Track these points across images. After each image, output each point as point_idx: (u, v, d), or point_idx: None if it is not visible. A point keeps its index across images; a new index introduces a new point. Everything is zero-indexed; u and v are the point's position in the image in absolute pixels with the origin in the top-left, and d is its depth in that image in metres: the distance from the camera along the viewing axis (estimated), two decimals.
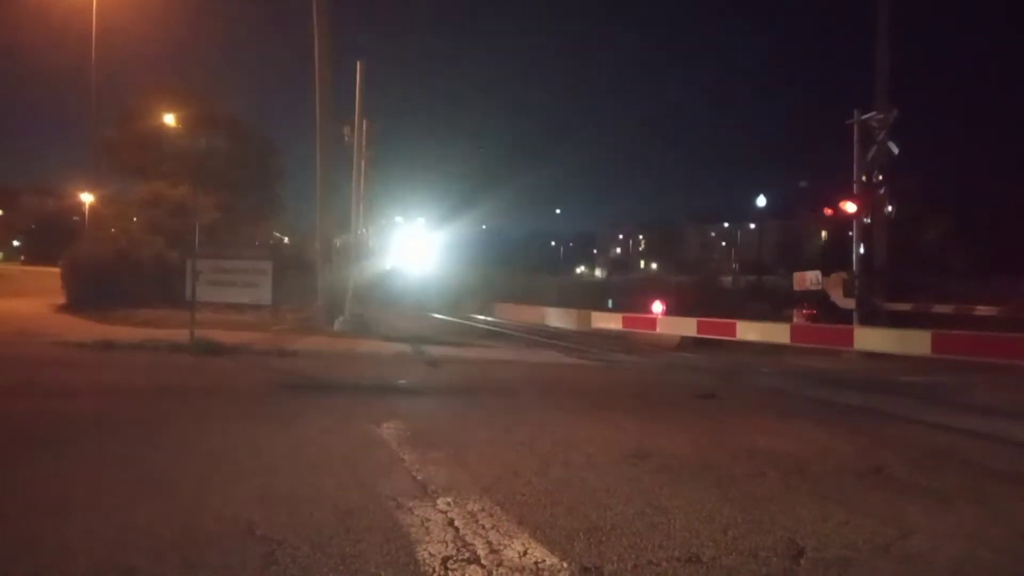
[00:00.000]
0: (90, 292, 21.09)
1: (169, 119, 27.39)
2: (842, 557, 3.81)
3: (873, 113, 19.73)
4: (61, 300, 22.08)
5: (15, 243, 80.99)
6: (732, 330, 19.90)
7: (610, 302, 36.48)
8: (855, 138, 20.02)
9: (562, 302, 33.03)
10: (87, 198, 41.49)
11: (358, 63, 20.73)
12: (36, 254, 60.03)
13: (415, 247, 36.88)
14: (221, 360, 12.02)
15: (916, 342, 15.92)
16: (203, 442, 5.87)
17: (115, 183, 32.50)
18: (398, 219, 49.48)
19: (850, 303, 19.60)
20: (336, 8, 20.14)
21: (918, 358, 15.84)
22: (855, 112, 20.03)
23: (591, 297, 37.03)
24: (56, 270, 24.99)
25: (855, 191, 20.17)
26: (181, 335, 13.57)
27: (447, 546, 3.71)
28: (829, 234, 44.07)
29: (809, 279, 20.57)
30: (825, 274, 20.33)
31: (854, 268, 19.98)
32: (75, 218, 57.97)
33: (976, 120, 72.45)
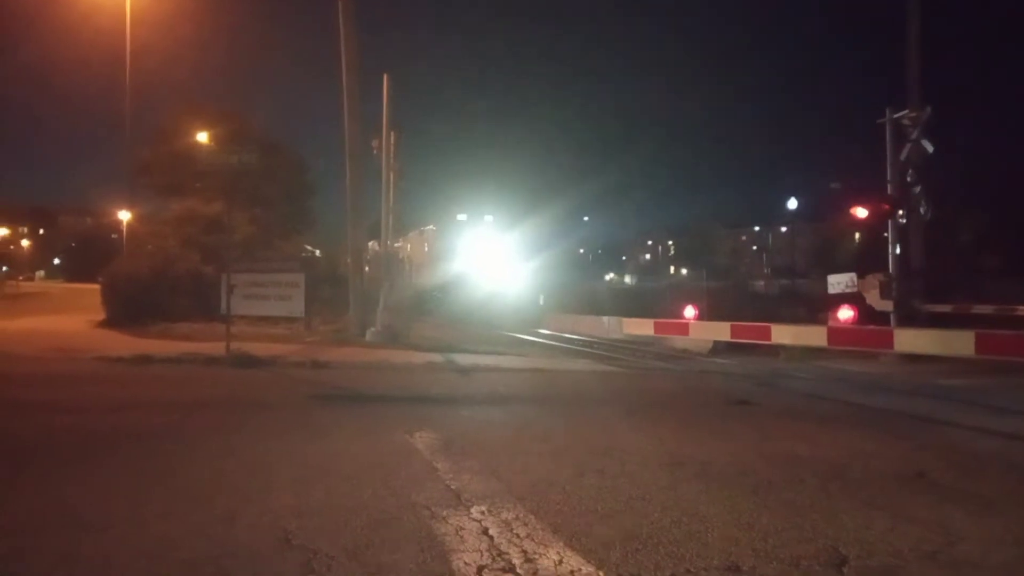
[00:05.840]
0: (128, 308, 21.48)
1: (202, 137, 27.89)
2: (887, 565, 3.71)
3: (906, 111, 19.38)
4: (101, 316, 22.52)
5: (56, 261, 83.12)
6: (767, 334, 19.62)
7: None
8: (887, 137, 19.69)
9: (592, 309, 32.85)
10: (124, 216, 42.44)
11: (385, 75, 20.91)
12: (76, 272, 61.54)
13: (484, 250, 34.75)
14: (256, 372, 12.15)
15: (958, 343, 15.54)
16: (239, 454, 5.93)
17: (151, 201, 33.19)
18: (461, 217, 47.01)
19: (887, 305, 19.23)
20: (365, 20, 20.33)
21: (957, 360, 15.46)
22: (887, 111, 19.70)
23: (621, 303, 36.73)
24: (96, 287, 25.52)
25: (889, 191, 19.83)
26: (217, 348, 13.75)
27: (482, 555, 3.68)
28: (863, 236, 43.27)
29: (844, 282, 20.22)
30: (860, 276, 19.99)
31: (890, 270, 19.62)
32: (113, 236, 59.35)
33: (1012, 117, 70.72)
